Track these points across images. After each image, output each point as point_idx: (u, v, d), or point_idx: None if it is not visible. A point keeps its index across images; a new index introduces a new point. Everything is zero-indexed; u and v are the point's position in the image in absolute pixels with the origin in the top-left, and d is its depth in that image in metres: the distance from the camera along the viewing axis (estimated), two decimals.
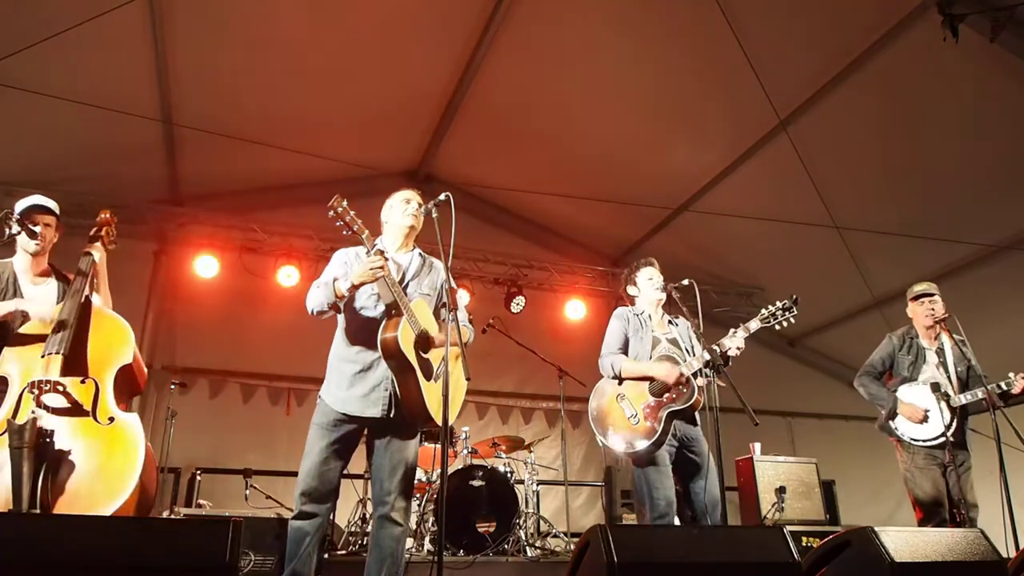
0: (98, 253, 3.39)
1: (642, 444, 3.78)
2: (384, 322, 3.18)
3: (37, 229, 3.26)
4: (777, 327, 4.05)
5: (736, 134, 6.90)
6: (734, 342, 3.91)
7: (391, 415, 3.21)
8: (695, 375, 3.85)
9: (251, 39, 5.95)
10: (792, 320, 4.01)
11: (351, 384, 3.22)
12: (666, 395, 3.86)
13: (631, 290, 4.28)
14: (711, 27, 5.45)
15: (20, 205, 3.31)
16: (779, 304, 4.00)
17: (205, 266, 7.36)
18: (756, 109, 6.15)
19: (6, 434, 2.80)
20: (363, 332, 3.26)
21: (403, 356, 3.12)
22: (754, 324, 4.00)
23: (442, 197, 3.28)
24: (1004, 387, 4.28)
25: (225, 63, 6.18)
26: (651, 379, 3.92)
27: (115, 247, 3.51)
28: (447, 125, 7.56)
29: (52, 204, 3.38)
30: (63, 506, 2.73)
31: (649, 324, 4.10)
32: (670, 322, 4.20)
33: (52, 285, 3.37)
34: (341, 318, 3.35)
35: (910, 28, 5.30)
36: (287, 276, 7.58)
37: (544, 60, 6.47)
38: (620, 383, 4.00)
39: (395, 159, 8.46)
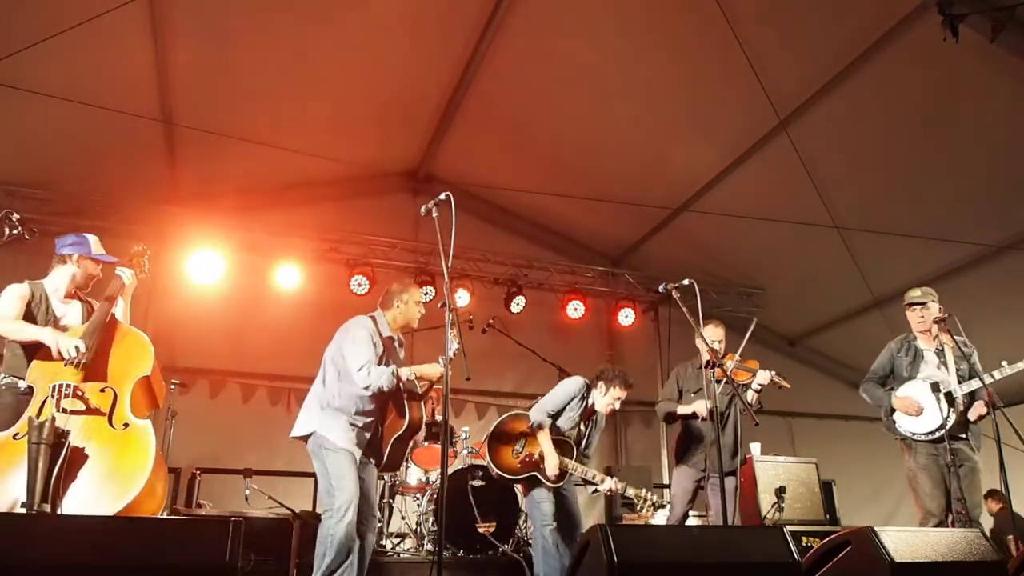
0: (127, 276, 3.69)
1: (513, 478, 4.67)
2: (411, 402, 3.91)
3: (81, 268, 3.68)
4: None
5: (736, 134, 6.89)
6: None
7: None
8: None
9: (251, 39, 5.95)
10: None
11: (356, 439, 3.84)
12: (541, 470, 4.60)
13: (606, 397, 4.73)
14: (711, 27, 5.45)
15: (95, 246, 3.70)
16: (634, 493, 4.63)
17: (205, 266, 7.34)
18: (756, 109, 6.15)
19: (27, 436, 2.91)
20: (373, 402, 3.87)
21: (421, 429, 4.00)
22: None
23: (442, 197, 3.30)
24: (999, 376, 4.29)
25: (225, 63, 6.17)
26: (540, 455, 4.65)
27: (145, 276, 3.86)
28: (447, 125, 7.56)
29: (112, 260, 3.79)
30: (71, 502, 2.84)
31: (581, 408, 4.78)
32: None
33: (77, 306, 3.67)
34: (347, 382, 3.87)
35: (910, 28, 5.29)
36: (288, 276, 7.57)
37: (544, 60, 6.47)
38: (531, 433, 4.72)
39: (395, 159, 8.46)
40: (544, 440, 4.64)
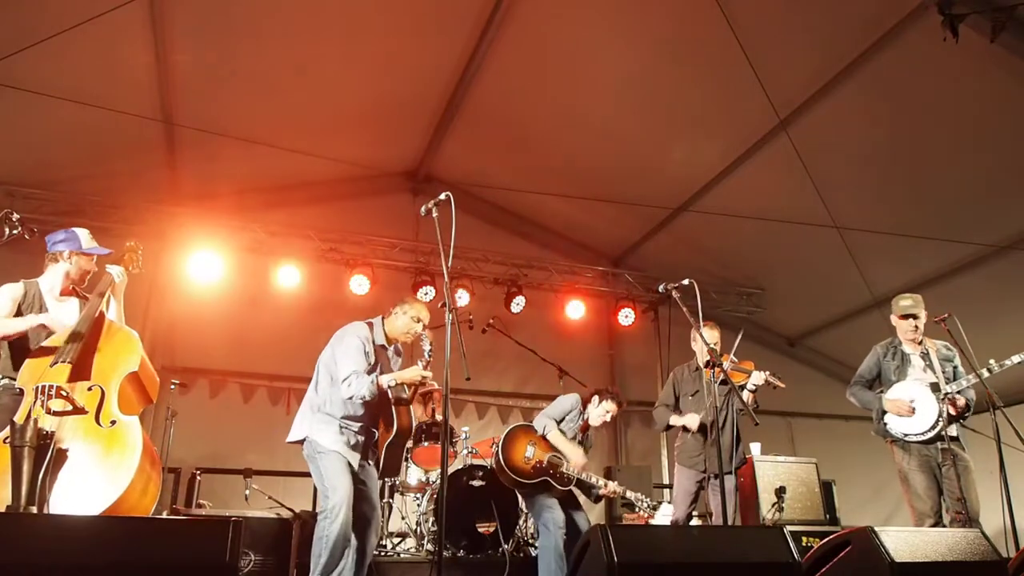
0: (117, 274, 3.63)
1: (527, 482, 4.73)
2: (399, 408, 3.97)
3: (74, 263, 3.63)
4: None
5: (736, 134, 6.89)
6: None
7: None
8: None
9: (251, 39, 5.95)
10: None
11: (349, 442, 3.92)
12: (558, 469, 4.75)
13: (598, 409, 4.91)
14: (711, 27, 5.45)
15: (85, 240, 3.62)
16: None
17: (205, 266, 7.34)
18: (756, 109, 6.15)
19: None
20: (362, 408, 3.95)
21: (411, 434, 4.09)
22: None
23: (442, 197, 3.32)
24: (986, 375, 4.31)
25: (225, 63, 6.17)
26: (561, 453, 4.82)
27: (139, 272, 3.81)
28: (447, 125, 7.56)
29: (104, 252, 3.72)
30: (58, 502, 2.81)
31: (578, 421, 4.98)
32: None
33: (74, 303, 3.63)
34: (337, 389, 3.94)
35: (910, 28, 5.29)
36: (288, 276, 7.57)
37: (544, 60, 6.47)
38: (539, 438, 4.85)
39: (395, 159, 8.46)
40: (558, 439, 4.84)
